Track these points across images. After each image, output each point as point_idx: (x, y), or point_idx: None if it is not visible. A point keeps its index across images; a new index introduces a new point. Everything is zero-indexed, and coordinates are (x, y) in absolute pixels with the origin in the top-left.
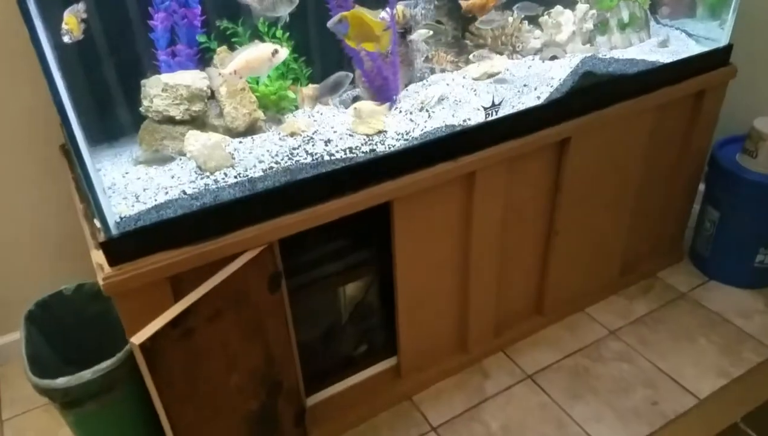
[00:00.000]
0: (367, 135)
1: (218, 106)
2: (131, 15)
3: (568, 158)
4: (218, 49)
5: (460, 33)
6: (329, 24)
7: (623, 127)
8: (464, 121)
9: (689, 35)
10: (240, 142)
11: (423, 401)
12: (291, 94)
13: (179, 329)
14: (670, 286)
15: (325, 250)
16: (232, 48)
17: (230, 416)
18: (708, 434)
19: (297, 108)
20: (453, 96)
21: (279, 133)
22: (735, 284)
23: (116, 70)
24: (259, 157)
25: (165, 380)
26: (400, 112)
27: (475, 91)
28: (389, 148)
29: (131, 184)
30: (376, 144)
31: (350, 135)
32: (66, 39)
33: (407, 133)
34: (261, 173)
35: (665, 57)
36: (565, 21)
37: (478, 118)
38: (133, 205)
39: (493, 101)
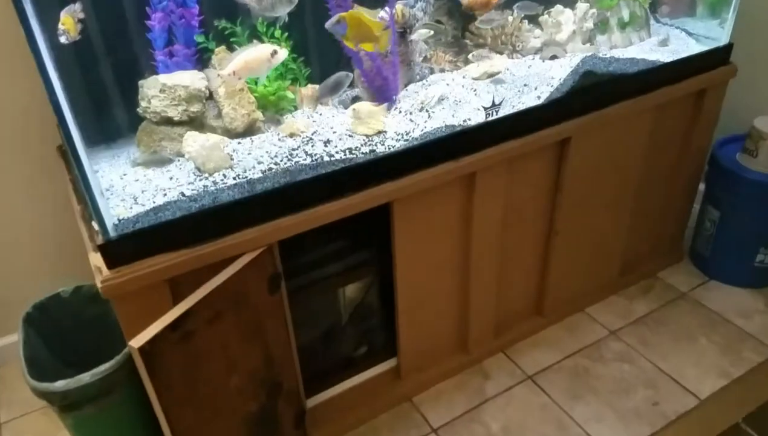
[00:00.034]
0: (367, 135)
1: (216, 107)
2: (128, 15)
3: (568, 158)
4: (216, 50)
5: (460, 33)
6: (327, 25)
7: (623, 127)
8: (464, 121)
9: (689, 34)
10: (239, 143)
11: (423, 402)
12: (290, 95)
13: (179, 331)
14: (670, 286)
15: (325, 251)
16: (230, 48)
17: (230, 417)
18: (709, 435)
19: (296, 108)
20: (453, 96)
21: (278, 134)
22: (735, 283)
23: (113, 71)
24: (258, 158)
25: (164, 383)
26: (400, 112)
27: (475, 91)
28: (389, 148)
29: (129, 186)
30: (375, 145)
31: (350, 136)
32: (63, 39)
33: (407, 134)
34: (260, 174)
35: (665, 56)
36: (565, 20)
37: (478, 118)
38: (131, 208)
39: (493, 101)
